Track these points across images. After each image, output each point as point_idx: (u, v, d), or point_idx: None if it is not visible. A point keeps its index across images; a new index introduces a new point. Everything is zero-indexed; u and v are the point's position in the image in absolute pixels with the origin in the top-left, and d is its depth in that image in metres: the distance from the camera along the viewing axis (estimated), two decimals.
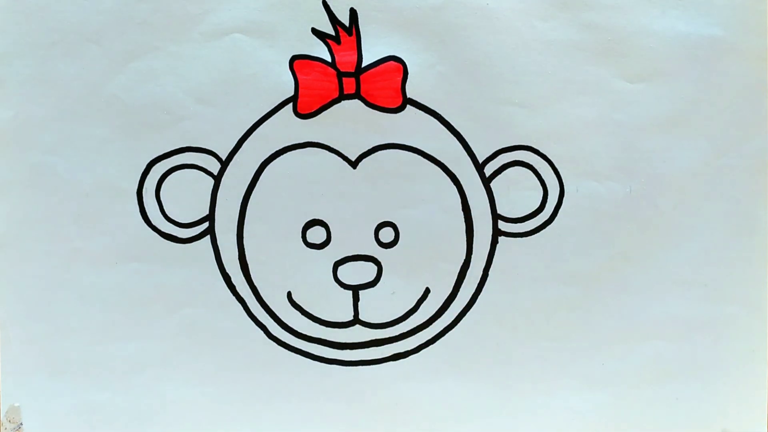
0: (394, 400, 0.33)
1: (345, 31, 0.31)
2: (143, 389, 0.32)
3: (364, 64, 0.31)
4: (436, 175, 0.32)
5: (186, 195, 0.32)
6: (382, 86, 0.31)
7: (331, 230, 0.32)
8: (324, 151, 0.32)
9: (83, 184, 0.32)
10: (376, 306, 0.32)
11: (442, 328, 0.33)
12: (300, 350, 0.33)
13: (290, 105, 0.31)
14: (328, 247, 0.32)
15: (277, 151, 0.32)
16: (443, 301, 0.33)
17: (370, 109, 0.31)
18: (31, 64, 0.31)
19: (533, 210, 0.32)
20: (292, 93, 0.31)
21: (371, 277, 0.32)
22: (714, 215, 0.32)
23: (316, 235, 0.32)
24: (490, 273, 0.32)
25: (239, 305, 0.32)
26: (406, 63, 0.31)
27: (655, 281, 0.33)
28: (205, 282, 0.32)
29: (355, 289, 0.32)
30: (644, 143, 0.32)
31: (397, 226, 0.32)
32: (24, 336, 0.32)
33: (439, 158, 0.32)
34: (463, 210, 0.32)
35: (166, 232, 0.32)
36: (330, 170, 0.32)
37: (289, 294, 0.32)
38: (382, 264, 0.32)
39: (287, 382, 0.33)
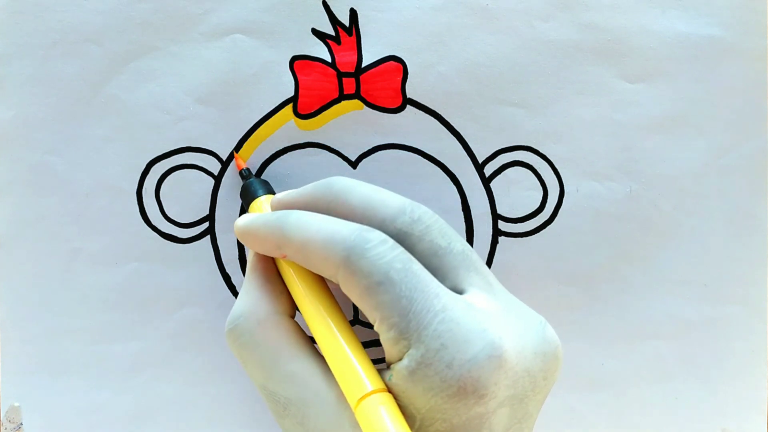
0: None
1: (345, 32, 0.31)
2: (143, 389, 0.32)
3: (364, 65, 0.31)
4: (436, 175, 0.32)
5: (186, 195, 0.32)
6: (382, 86, 0.31)
7: None
8: (324, 151, 0.32)
9: (83, 184, 0.32)
10: None
11: None
12: None
13: (290, 105, 0.31)
14: None
15: (277, 152, 0.32)
16: None
17: (370, 109, 0.31)
18: (31, 64, 0.31)
19: (533, 210, 0.32)
20: (292, 93, 0.31)
21: None
22: (714, 215, 0.32)
23: None
24: None
25: None
26: (406, 63, 0.31)
27: (655, 281, 0.33)
28: (205, 282, 0.32)
29: None
30: (644, 143, 0.32)
31: None
32: (24, 336, 0.32)
33: (439, 158, 0.32)
34: (463, 210, 0.32)
35: (166, 232, 0.32)
36: (330, 170, 0.32)
37: None
38: None
39: None
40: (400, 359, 0.22)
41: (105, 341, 0.32)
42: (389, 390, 0.22)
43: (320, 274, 0.24)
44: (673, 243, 0.32)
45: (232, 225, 0.32)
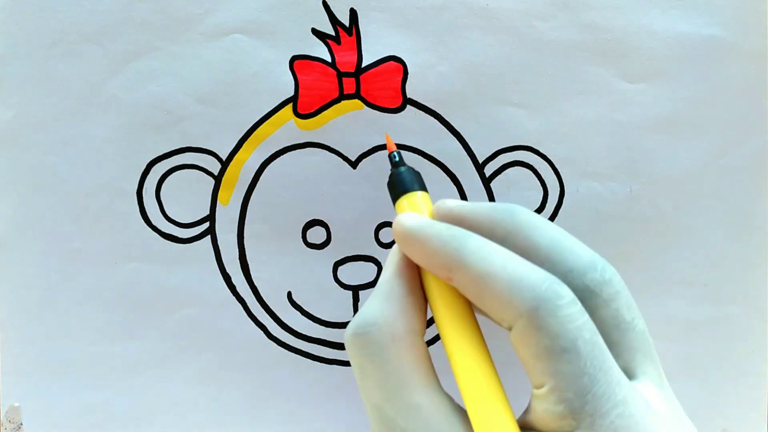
0: None
1: (345, 31, 0.31)
2: (143, 389, 0.32)
3: (364, 65, 0.31)
4: (436, 175, 0.32)
5: (186, 195, 0.32)
6: (382, 86, 0.31)
7: (331, 230, 0.32)
8: (324, 151, 0.32)
9: (83, 184, 0.32)
10: None
11: None
12: (300, 350, 0.33)
13: (290, 105, 0.31)
14: (328, 247, 0.32)
15: (277, 151, 0.32)
16: None
17: (370, 109, 0.31)
18: (31, 64, 0.31)
19: (533, 210, 0.32)
20: (292, 93, 0.31)
21: (371, 278, 0.32)
22: (714, 215, 0.32)
23: (316, 235, 0.32)
24: None
25: (239, 305, 0.32)
26: (406, 63, 0.31)
27: (655, 281, 0.33)
28: (205, 282, 0.32)
29: (355, 290, 0.32)
30: (644, 143, 0.32)
31: None
32: (24, 336, 0.32)
33: (439, 158, 0.32)
34: None
35: (167, 232, 0.32)
36: (330, 170, 0.32)
37: (289, 294, 0.32)
38: (383, 264, 0.32)
39: (287, 382, 0.33)
40: None
41: (105, 341, 0.32)
42: None
43: (490, 314, 0.21)
44: (673, 243, 0.32)
45: (233, 225, 0.32)
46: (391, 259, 0.24)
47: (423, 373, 0.22)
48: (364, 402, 0.23)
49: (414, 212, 0.24)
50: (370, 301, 0.23)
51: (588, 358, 0.20)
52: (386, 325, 0.22)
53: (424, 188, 0.26)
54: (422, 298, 0.24)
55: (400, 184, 0.26)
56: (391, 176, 0.27)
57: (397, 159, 0.27)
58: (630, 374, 0.22)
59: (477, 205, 0.24)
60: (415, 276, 0.24)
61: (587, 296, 0.22)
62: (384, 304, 0.23)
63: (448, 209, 0.24)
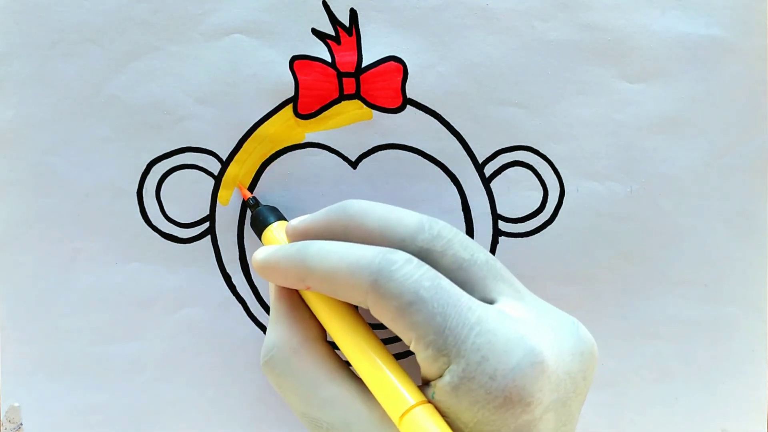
0: None
1: (345, 32, 0.31)
2: (143, 389, 0.32)
3: (364, 65, 0.31)
4: (436, 175, 0.32)
5: (186, 195, 0.32)
6: (382, 86, 0.31)
7: None
8: (324, 151, 0.32)
9: (83, 184, 0.32)
10: None
11: None
12: None
13: (290, 105, 0.31)
14: None
15: (277, 152, 0.32)
16: None
17: (370, 110, 0.31)
18: (31, 64, 0.31)
19: (533, 210, 0.32)
20: (292, 93, 0.31)
21: None
22: (714, 215, 0.32)
23: None
24: None
25: (239, 305, 0.32)
26: (406, 63, 0.31)
27: (655, 281, 0.33)
28: (205, 282, 0.32)
29: None
30: (644, 143, 0.32)
31: None
32: (24, 336, 0.32)
33: (439, 158, 0.32)
34: (463, 210, 0.32)
35: (167, 232, 0.32)
36: (330, 170, 0.32)
37: None
38: None
39: None
40: (441, 376, 0.22)
41: (105, 341, 0.32)
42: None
43: (348, 301, 0.24)
44: (673, 243, 0.32)
45: (233, 225, 0.32)
46: (270, 289, 0.27)
47: (330, 370, 0.25)
48: (297, 417, 0.25)
49: (265, 246, 0.27)
50: (268, 330, 0.26)
51: (433, 300, 0.22)
52: (283, 344, 0.25)
53: (281, 218, 0.30)
54: (308, 309, 0.26)
55: (258, 223, 0.30)
56: (251, 219, 0.30)
57: (252, 203, 0.31)
58: (489, 301, 0.24)
59: (315, 214, 0.26)
60: (293, 294, 0.26)
61: (425, 255, 0.24)
62: (275, 327, 0.26)
63: (293, 228, 0.26)
